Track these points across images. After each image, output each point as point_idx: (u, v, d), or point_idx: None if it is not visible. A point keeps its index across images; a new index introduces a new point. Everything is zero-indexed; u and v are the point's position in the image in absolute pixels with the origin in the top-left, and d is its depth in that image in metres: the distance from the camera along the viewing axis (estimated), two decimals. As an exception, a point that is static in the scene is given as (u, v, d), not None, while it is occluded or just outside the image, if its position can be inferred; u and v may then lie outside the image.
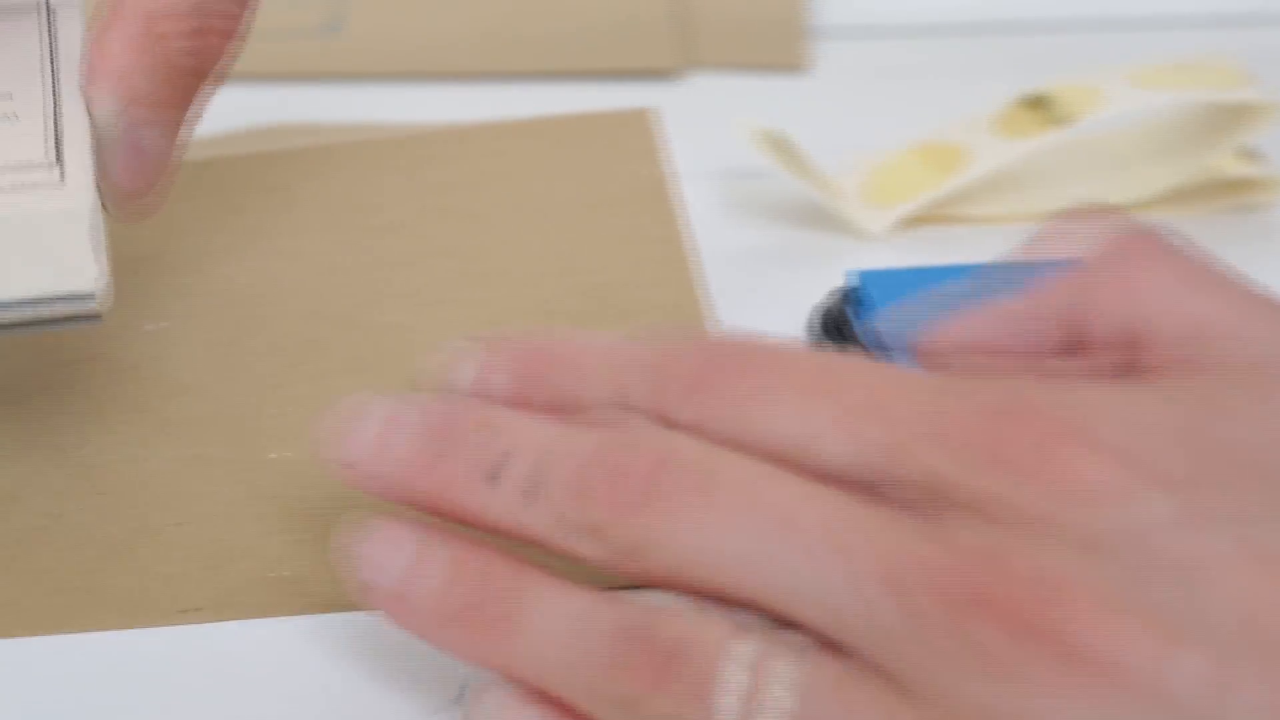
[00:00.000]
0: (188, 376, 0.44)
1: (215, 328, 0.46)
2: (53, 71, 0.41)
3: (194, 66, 0.40)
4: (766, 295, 0.53)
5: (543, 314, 0.47)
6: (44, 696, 0.37)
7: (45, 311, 0.38)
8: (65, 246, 0.37)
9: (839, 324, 0.48)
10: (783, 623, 0.32)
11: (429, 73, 0.70)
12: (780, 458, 0.33)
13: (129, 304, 0.44)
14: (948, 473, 0.32)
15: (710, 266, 0.53)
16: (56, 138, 0.39)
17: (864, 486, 0.32)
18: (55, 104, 0.40)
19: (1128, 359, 0.36)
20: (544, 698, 0.33)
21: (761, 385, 0.34)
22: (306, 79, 0.68)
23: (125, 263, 0.40)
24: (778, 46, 0.70)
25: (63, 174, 0.38)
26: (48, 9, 0.44)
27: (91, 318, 0.38)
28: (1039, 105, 0.56)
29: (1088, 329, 0.36)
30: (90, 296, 0.37)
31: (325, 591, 0.38)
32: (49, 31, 0.43)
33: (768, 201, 0.59)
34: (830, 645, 0.31)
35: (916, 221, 0.56)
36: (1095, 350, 0.36)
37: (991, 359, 0.37)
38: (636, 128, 0.55)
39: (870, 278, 0.48)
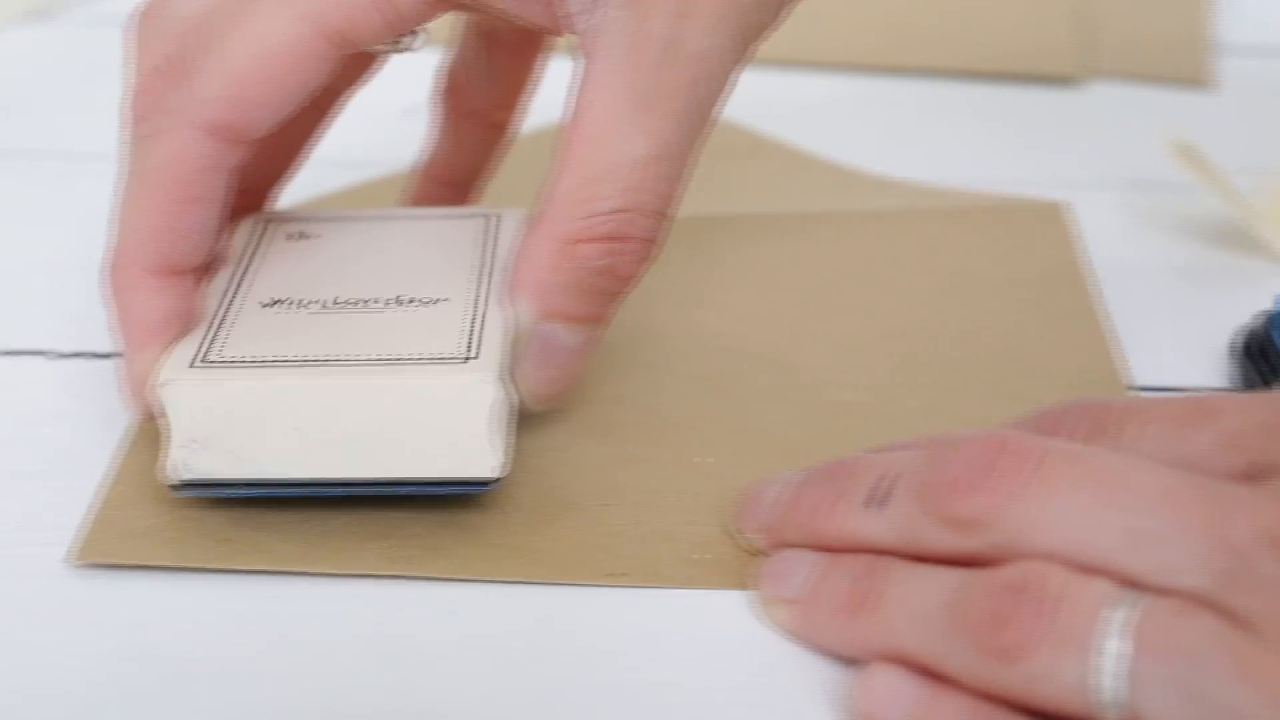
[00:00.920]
0: (618, 389, 0.47)
1: (642, 352, 0.49)
2: (487, 274, 0.44)
3: (608, 286, 0.42)
4: (1172, 311, 0.51)
5: (952, 369, 0.48)
6: (482, 633, 0.39)
7: (440, 488, 0.41)
8: (469, 436, 0.40)
9: (1263, 346, 0.47)
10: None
11: (824, 63, 0.70)
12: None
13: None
14: None
15: (1110, 278, 0.52)
16: (474, 336, 0.41)
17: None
18: (482, 305, 0.42)
19: None
20: (925, 672, 0.35)
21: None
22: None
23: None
24: (1181, 60, 0.69)
25: (475, 367, 0.40)
26: (496, 218, 0.47)
27: (484, 486, 0.41)
28: None
29: None
30: (486, 483, 0.40)
31: (739, 576, 0.40)
32: (494, 237, 0.46)
33: (1174, 216, 0.57)
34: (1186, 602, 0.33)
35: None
36: None
37: None
38: (1051, 217, 0.55)
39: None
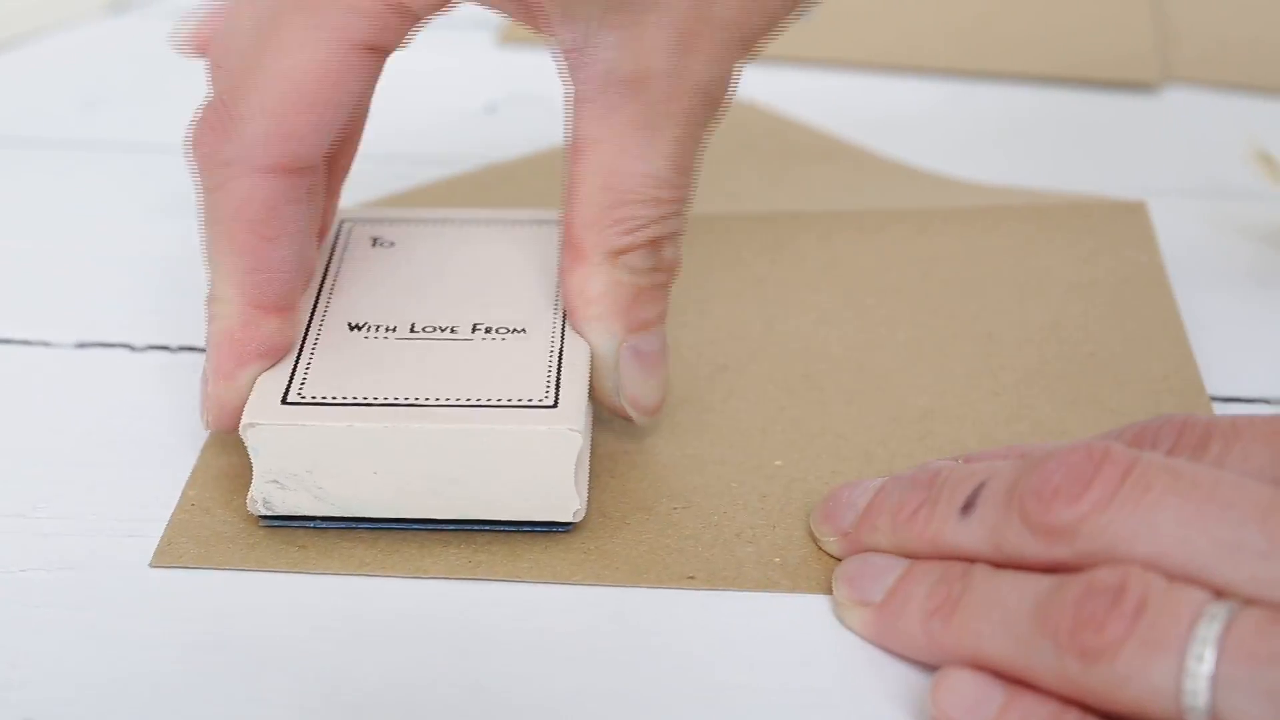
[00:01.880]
0: (694, 392, 0.47)
1: (718, 354, 0.49)
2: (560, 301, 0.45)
3: (663, 280, 0.44)
4: (1249, 320, 0.51)
5: (1032, 374, 0.48)
6: (558, 633, 0.39)
7: (520, 528, 0.41)
8: (554, 483, 0.40)
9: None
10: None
11: (896, 65, 0.70)
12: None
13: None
14: None
15: (1187, 284, 0.52)
16: (556, 374, 0.41)
17: None
18: (559, 336, 0.43)
19: None
20: (1004, 677, 0.35)
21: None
22: (774, 62, 0.69)
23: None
24: (1261, 66, 0.68)
25: (561, 416, 0.40)
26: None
27: (564, 528, 0.41)
28: None
29: None
30: (567, 525, 0.41)
31: (817, 580, 0.41)
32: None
33: (1252, 223, 0.57)
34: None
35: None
36: None
37: None
38: (1134, 217, 0.55)
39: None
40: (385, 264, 0.46)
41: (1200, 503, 0.34)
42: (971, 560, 0.37)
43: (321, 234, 0.46)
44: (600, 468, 0.44)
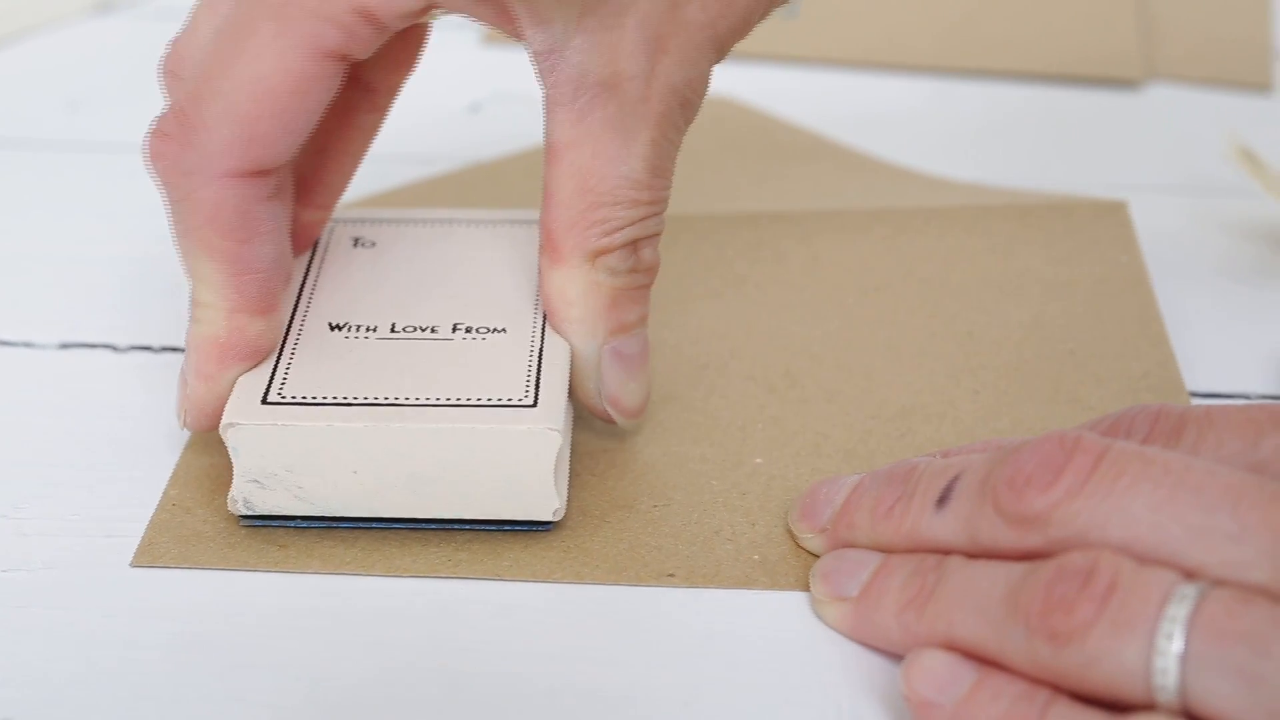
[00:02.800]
0: (673, 390, 0.47)
1: (698, 352, 0.49)
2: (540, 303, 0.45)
3: (643, 281, 0.44)
4: (1229, 316, 0.51)
5: (1012, 371, 0.48)
6: (538, 632, 0.39)
7: (499, 526, 0.42)
8: (533, 482, 0.40)
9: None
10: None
11: (880, 63, 0.70)
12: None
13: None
14: None
15: (1167, 281, 0.52)
16: (535, 374, 0.42)
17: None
18: (539, 336, 0.43)
19: None
20: (975, 657, 0.36)
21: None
22: (759, 60, 0.69)
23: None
24: (1242, 64, 0.69)
25: (540, 415, 0.40)
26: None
27: (544, 526, 0.42)
28: None
29: None
30: (547, 524, 0.41)
31: (795, 576, 0.41)
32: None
33: (1233, 220, 0.57)
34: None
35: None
36: None
37: None
38: (1114, 216, 0.55)
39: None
40: (366, 264, 0.46)
41: (1172, 488, 0.35)
42: (948, 553, 0.38)
43: (309, 245, 0.47)
44: (581, 466, 0.44)
